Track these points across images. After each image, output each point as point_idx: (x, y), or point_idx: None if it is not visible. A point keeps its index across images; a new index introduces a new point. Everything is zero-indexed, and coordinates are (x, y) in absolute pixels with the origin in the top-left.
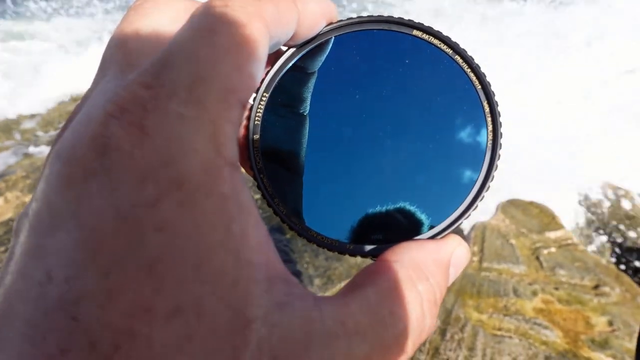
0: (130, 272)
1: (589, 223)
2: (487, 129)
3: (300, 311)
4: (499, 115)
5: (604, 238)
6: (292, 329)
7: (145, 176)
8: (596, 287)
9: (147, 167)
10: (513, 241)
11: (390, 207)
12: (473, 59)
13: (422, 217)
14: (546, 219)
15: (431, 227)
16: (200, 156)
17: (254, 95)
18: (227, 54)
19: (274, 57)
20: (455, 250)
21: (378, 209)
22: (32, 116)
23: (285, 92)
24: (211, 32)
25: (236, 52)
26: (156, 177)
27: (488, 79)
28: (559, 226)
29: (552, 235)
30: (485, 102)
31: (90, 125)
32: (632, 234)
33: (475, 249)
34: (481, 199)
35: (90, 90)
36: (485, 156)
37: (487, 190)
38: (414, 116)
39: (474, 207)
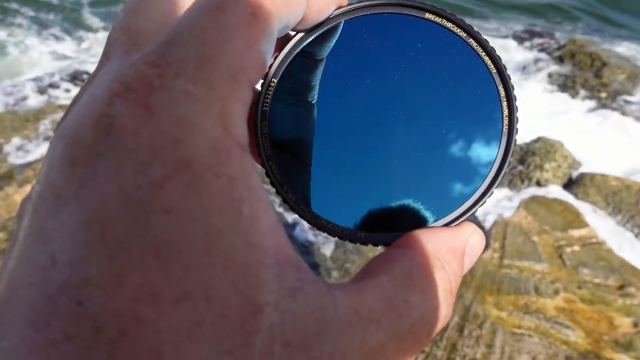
0: (136, 256)
1: None
2: (503, 114)
3: (313, 297)
4: (515, 100)
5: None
6: (304, 316)
7: (151, 156)
8: (621, 287)
9: (153, 146)
10: (535, 238)
11: (402, 194)
12: (488, 42)
13: (435, 204)
14: (570, 216)
15: (445, 215)
16: (208, 135)
17: (261, 80)
18: (236, 32)
19: (282, 42)
20: (470, 238)
21: (390, 196)
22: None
23: (294, 79)
24: (220, 10)
25: (246, 31)
26: (162, 157)
27: (503, 62)
28: (583, 224)
29: (576, 233)
30: (501, 86)
31: (95, 105)
32: None
33: (496, 245)
34: (497, 186)
35: (94, 73)
36: (501, 141)
37: (503, 177)
38: (426, 102)
39: (489, 193)
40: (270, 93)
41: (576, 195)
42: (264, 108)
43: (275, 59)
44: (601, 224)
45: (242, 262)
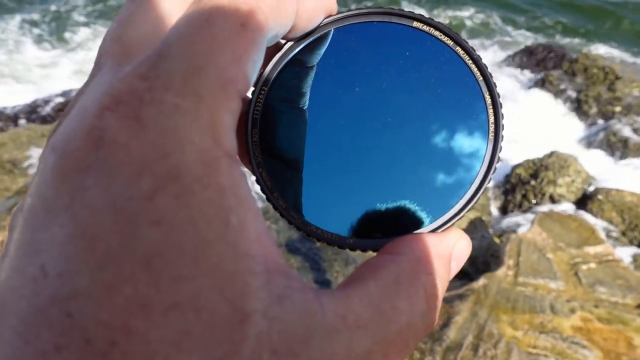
0: (125, 267)
1: None
2: (489, 121)
3: (300, 304)
4: (501, 107)
5: None
6: (292, 323)
7: (141, 169)
8: (639, 306)
9: (143, 159)
10: (550, 255)
11: (391, 200)
12: (474, 50)
13: (424, 210)
14: (585, 233)
15: (432, 221)
16: (198, 147)
17: (252, 88)
18: (225, 44)
19: (272, 50)
20: (457, 243)
21: (378, 202)
22: None
23: (285, 87)
24: (209, 22)
25: (234, 43)
26: (152, 170)
27: (489, 70)
28: (599, 241)
29: (591, 250)
30: (487, 93)
31: (85, 118)
32: None
33: (511, 262)
34: (483, 192)
35: (86, 84)
36: (487, 148)
37: (488, 183)
38: (414, 109)
39: (475, 199)
40: (261, 101)
41: (591, 211)
42: (255, 116)
43: (265, 67)
44: (617, 241)
45: (230, 270)
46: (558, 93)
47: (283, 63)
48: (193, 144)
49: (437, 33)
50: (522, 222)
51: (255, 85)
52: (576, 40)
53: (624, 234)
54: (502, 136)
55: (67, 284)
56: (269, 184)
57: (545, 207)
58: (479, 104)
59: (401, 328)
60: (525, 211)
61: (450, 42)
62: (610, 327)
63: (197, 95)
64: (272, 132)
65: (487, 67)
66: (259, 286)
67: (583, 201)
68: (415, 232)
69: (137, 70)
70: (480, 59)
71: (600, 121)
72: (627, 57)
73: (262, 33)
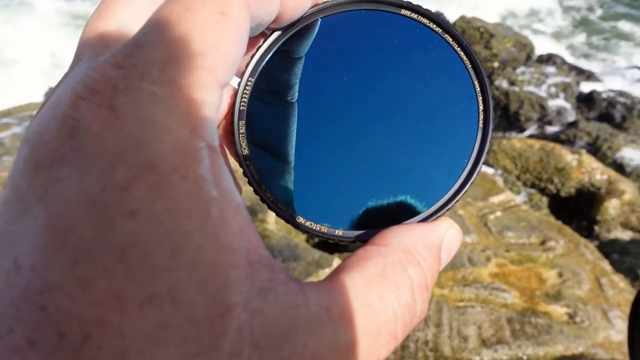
0: (100, 260)
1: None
2: (479, 109)
3: (284, 297)
4: (491, 94)
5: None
6: (275, 316)
7: (115, 159)
8: (543, 243)
9: (118, 149)
10: (461, 212)
11: (380, 191)
12: (463, 37)
13: (413, 200)
14: (488, 184)
15: (422, 211)
16: (174, 137)
17: (238, 80)
18: (204, 32)
19: (258, 40)
20: (447, 233)
21: (367, 193)
22: None
23: (272, 78)
24: (188, 10)
25: (214, 31)
26: (127, 160)
27: (479, 57)
28: (500, 190)
29: (495, 199)
30: (477, 81)
31: (59, 108)
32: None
33: None
34: (473, 181)
35: (65, 75)
36: (476, 136)
37: (479, 172)
38: (403, 98)
39: (465, 189)
40: (248, 92)
41: (488, 163)
42: (241, 107)
43: (252, 58)
44: (514, 185)
45: (210, 263)
46: None
47: (270, 54)
48: (170, 133)
49: (425, 21)
50: None
51: (241, 76)
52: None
53: (518, 177)
54: (493, 124)
55: (40, 277)
56: (256, 176)
57: None
58: (468, 92)
59: (388, 319)
60: None
61: (439, 30)
62: (522, 267)
63: (174, 84)
64: (259, 124)
65: (476, 55)
66: (241, 279)
67: None
68: (404, 222)
69: (113, 59)
70: (470, 45)
71: None
72: (496, 18)
73: (244, 21)
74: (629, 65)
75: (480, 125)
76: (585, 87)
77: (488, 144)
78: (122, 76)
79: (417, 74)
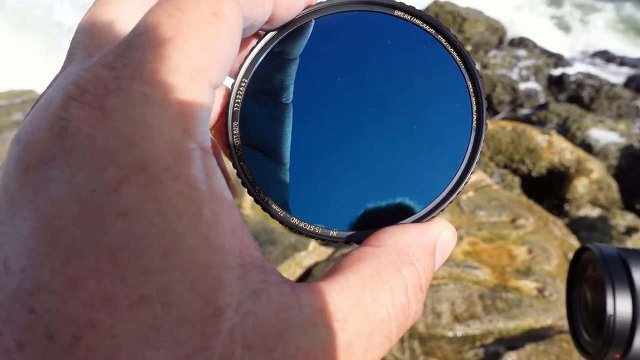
0: (90, 261)
1: None
2: (472, 109)
3: (276, 299)
4: (484, 95)
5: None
6: (267, 317)
7: (106, 160)
8: (513, 220)
9: (108, 150)
10: None
11: (375, 192)
12: (456, 38)
13: (407, 201)
14: None
15: (417, 212)
16: (166, 137)
17: (232, 80)
18: (196, 32)
19: (251, 41)
20: (442, 233)
21: (362, 194)
22: None
23: (266, 79)
24: (180, 10)
25: (206, 31)
26: (118, 161)
27: (472, 58)
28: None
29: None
30: (470, 81)
31: (50, 109)
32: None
33: None
34: (467, 181)
35: (57, 76)
36: (470, 137)
37: (473, 172)
38: (397, 99)
39: (459, 189)
40: (242, 93)
41: None
42: (235, 108)
43: (245, 59)
44: (487, 166)
45: (202, 264)
46: None
47: (264, 55)
48: (161, 134)
49: (418, 22)
50: None
51: (235, 77)
52: None
53: (491, 159)
54: (486, 124)
55: (30, 278)
56: (250, 177)
57: None
58: (461, 93)
59: (382, 320)
60: None
61: (432, 31)
62: (493, 245)
63: (166, 85)
64: (254, 125)
65: (469, 55)
66: (233, 280)
67: None
68: (399, 223)
69: (104, 59)
70: (463, 46)
71: None
72: (469, 1)
73: (236, 21)
74: (598, 48)
75: (474, 125)
76: (556, 70)
77: (482, 144)
78: (113, 77)
79: (411, 75)
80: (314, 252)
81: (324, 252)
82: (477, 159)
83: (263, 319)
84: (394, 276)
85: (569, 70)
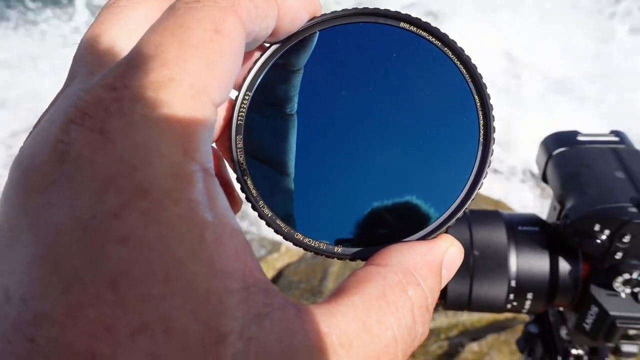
0: (91, 288)
1: None
2: (479, 123)
3: (280, 323)
4: (492, 109)
5: None
6: (271, 343)
7: (107, 184)
8: None
9: (109, 174)
10: None
11: (381, 208)
12: (463, 51)
13: (414, 217)
14: None
15: (422, 228)
16: (167, 161)
17: (235, 93)
18: (198, 51)
19: (254, 53)
20: (448, 250)
21: (367, 210)
22: None
23: (271, 91)
24: (182, 28)
25: (207, 50)
26: (119, 185)
27: (479, 70)
28: None
29: None
30: (477, 95)
31: (51, 132)
32: None
33: None
34: (474, 197)
35: (58, 94)
36: (477, 152)
37: (480, 187)
38: (403, 112)
39: (466, 205)
40: (245, 106)
41: None
42: (239, 122)
43: (249, 71)
44: None
45: (204, 289)
46: None
47: (267, 67)
48: (162, 157)
49: (424, 34)
50: None
51: (238, 90)
52: None
53: None
54: (494, 139)
55: (31, 308)
56: (254, 193)
57: None
58: (469, 106)
59: (388, 343)
60: None
61: (438, 43)
62: None
63: (167, 106)
64: (259, 139)
65: (476, 68)
66: (236, 305)
67: None
68: (405, 239)
69: (105, 80)
70: (470, 59)
71: None
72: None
73: (238, 38)
74: None
75: (481, 140)
76: None
77: (489, 159)
78: (114, 98)
79: (417, 88)
80: (286, 254)
81: (296, 253)
82: (485, 174)
83: (267, 345)
84: (400, 297)
85: None
